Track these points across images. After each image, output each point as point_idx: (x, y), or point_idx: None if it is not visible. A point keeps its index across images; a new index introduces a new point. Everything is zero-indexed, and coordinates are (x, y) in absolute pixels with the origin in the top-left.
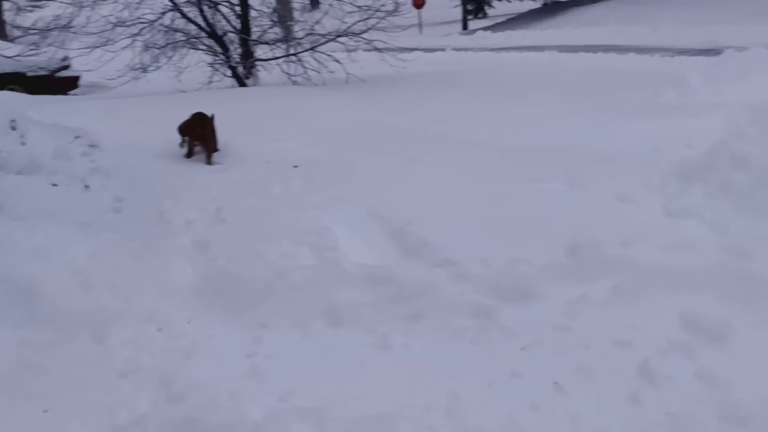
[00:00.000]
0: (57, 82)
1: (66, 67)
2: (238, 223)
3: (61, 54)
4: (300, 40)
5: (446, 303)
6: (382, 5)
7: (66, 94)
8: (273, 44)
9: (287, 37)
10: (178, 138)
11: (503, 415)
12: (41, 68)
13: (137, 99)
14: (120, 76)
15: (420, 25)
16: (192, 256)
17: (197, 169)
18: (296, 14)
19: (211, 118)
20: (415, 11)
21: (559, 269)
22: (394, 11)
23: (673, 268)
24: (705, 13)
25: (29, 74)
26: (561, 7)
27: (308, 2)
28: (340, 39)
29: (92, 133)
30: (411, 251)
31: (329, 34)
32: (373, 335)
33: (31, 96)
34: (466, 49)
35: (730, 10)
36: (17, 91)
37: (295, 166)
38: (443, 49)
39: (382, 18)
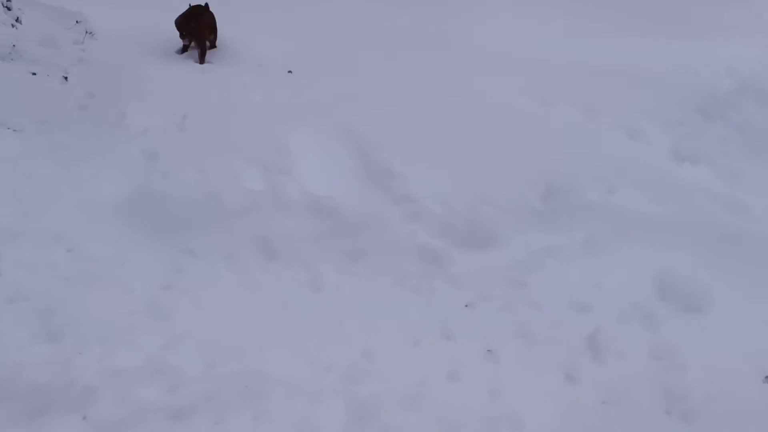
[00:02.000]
0: None
1: None
2: (198, 133)
3: None
4: None
5: (393, 243)
6: None
7: None
8: None
9: None
10: (175, 32)
11: (412, 385)
12: None
13: None
14: None
15: None
16: (132, 168)
17: (183, 67)
18: None
19: (208, 12)
20: None
21: (528, 214)
22: None
23: (661, 220)
24: None
25: None
26: None
27: None
28: None
29: (92, 19)
30: (372, 180)
31: None
32: (306, 273)
33: None
34: None
35: None
36: None
37: (290, 72)
38: None
39: None
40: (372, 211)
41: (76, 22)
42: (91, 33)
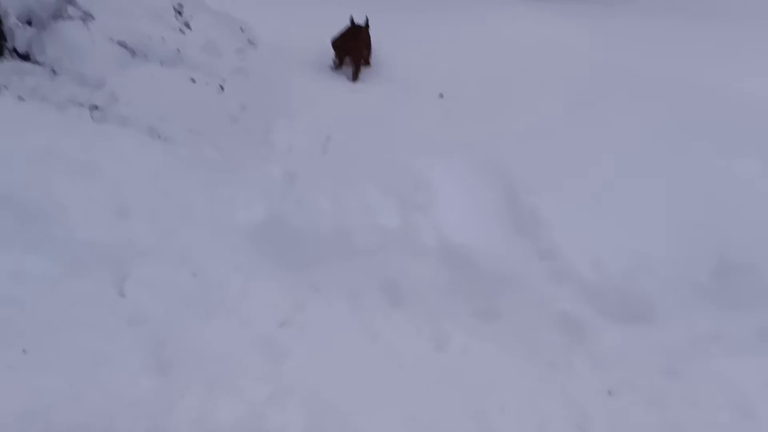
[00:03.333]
0: None
1: None
2: (339, 156)
3: None
4: None
5: (533, 306)
6: None
7: None
8: None
9: None
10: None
11: None
12: None
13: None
14: None
15: None
16: (269, 191)
17: (335, 84)
18: None
19: (366, 32)
20: None
21: (694, 290)
22: None
23: None
24: None
25: None
26: None
27: None
28: None
29: (255, 28)
30: (518, 228)
31: None
32: (431, 328)
33: None
34: None
35: None
36: None
37: (441, 95)
38: None
39: None
40: (513, 265)
41: (241, 30)
42: (252, 42)
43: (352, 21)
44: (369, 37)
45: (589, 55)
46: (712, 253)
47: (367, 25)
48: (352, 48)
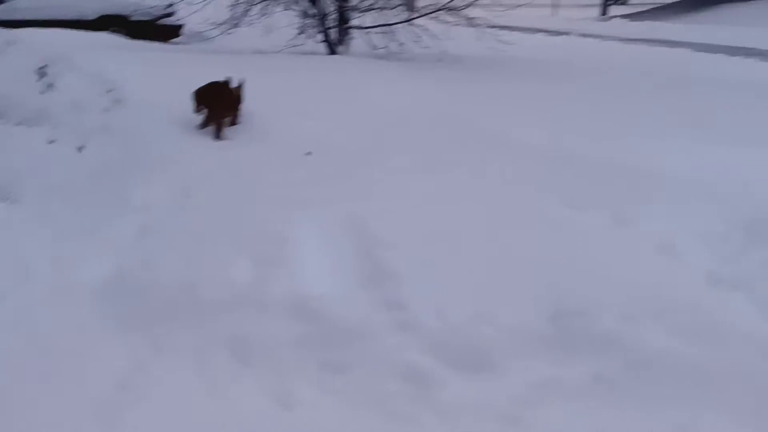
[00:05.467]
0: (159, 30)
1: (169, 15)
2: (196, 213)
3: (167, 1)
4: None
5: (380, 358)
6: None
7: (167, 42)
8: (364, 11)
9: (385, 6)
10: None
11: None
12: (145, 13)
13: (205, 56)
14: (212, 29)
15: (554, 6)
16: (120, 248)
17: (200, 142)
18: None
19: (227, 88)
20: None
21: (533, 338)
22: None
23: (686, 362)
24: None
25: (133, 18)
26: (712, 1)
27: None
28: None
29: (125, 87)
30: (370, 281)
31: (430, 6)
32: (279, 385)
33: (126, 40)
34: (593, 36)
35: None
36: (118, 33)
37: (308, 153)
38: (568, 34)
39: None
40: (362, 317)
41: (107, 89)
42: (119, 101)
43: (226, 81)
44: (238, 97)
45: (448, 116)
46: (549, 301)
47: (239, 86)
48: (215, 104)
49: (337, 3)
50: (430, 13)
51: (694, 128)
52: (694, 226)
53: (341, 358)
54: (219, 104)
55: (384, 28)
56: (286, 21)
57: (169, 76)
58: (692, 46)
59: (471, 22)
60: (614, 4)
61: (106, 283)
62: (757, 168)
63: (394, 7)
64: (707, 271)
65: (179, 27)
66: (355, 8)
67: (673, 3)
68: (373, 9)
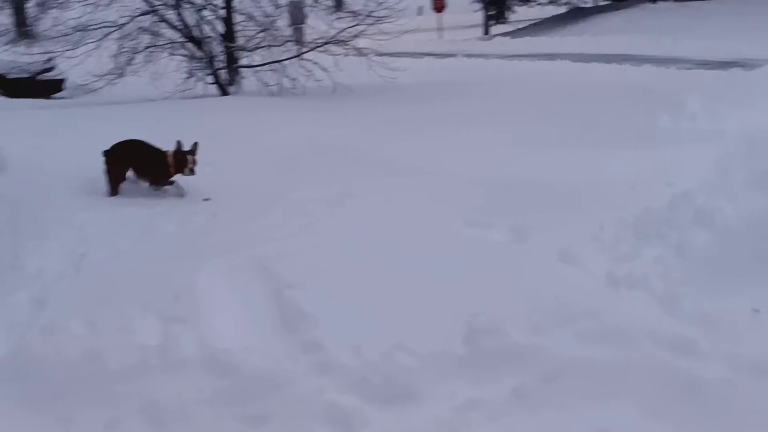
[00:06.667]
0: (39, 86)
1: (49, 70)
2: (95, 275)
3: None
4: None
5: (300, 402)
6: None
7: (49, 97)
8: (252, 50)
9: (272, 43)
10: (91, 165)
11: None
12: (23, 70)
13: (89, 109)
14: (96, 80)
15: (440, 29)
16: (15, 321)
17: (92, 203)
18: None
19: (123, 145)
20: (435, 15)
21: (450, 361)
22: (385, 18)
23: (596, 366)
24: (734, 23)
25: (10, 76)
26: (584, 13)
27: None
28: (351, 45)
29: (6, 150)
30: (283, 325)
31: (318, 39)
32: None
33: (4, 99)
34: (478, 56)
35: (763, 20)
36: None
37: (206, 200)
38: (454, 56)
39: (375, 22)
40: (278, 363)
41: None
42: (2, 167)
43: (178, 145)
44: (129, 152)
45: (344, 147)
46: (462, 322)
47: (123, 142)
48: (109, 160)
49: (224, 44)
50: (319, 46)
51: (582, 135)
52: (588, 231)
53: (259, 409)
54: (115, 160)
55: (274, 65)
56: (173, 66)
57: (53, 134)
58: (570, 56)
59: (360, 51)
60: (496, 23)
61: (2, 361)
62: (641, 170)
63: (282, 44)
64: (605, 272)
65: (61, 81)
66: (242, 48)
67: (549, 18)
68: (261, 47)
